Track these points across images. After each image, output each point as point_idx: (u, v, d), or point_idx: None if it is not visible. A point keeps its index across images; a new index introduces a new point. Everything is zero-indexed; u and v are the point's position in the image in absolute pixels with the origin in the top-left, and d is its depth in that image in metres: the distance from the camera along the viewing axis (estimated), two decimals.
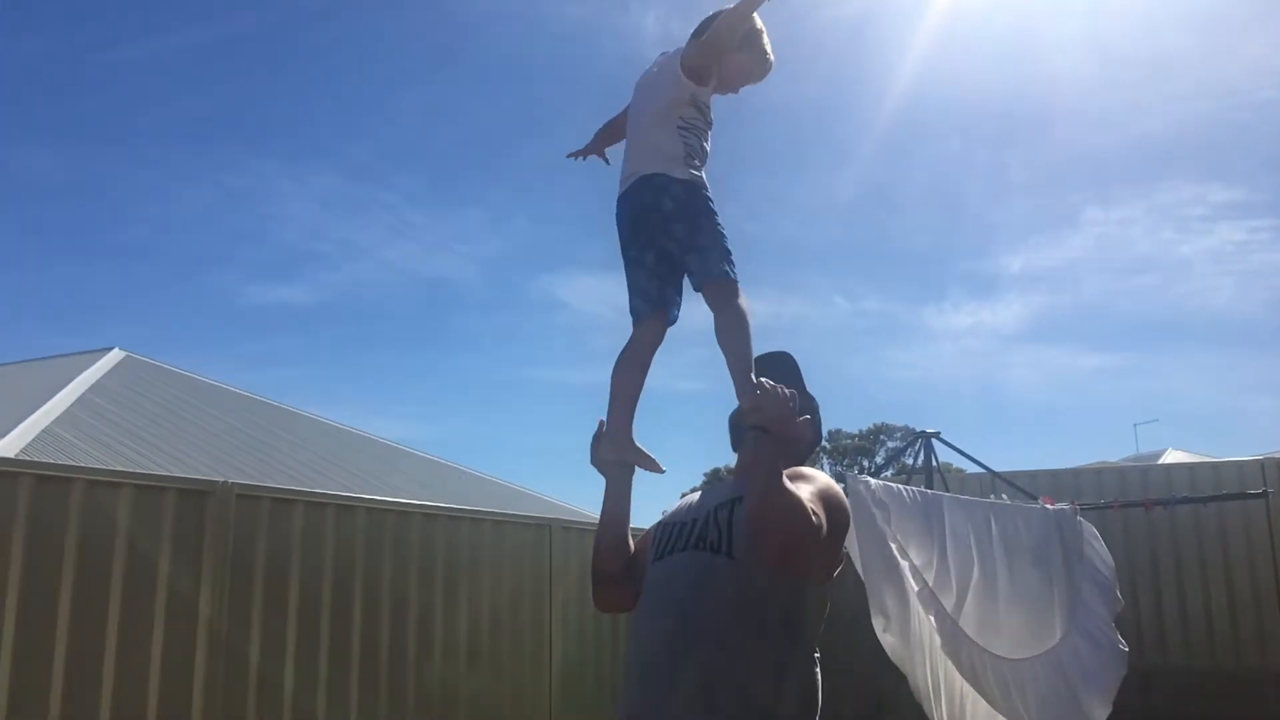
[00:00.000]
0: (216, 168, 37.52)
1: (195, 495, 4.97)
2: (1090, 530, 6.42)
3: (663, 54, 2.80)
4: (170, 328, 43.37)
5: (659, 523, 2.49)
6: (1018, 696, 5.79)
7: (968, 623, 5.77)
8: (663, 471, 2.59)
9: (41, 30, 29.90)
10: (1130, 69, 35.71)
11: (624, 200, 2.74)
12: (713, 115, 2.75)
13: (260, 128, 41.19)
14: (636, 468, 2.61)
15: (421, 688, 5.84)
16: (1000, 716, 5.80)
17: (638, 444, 2.61)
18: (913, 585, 5.51)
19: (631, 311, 2.72)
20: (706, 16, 2.73)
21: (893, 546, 5.53)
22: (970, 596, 5.99)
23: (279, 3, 35.36)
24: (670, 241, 2.65)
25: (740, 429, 2.46)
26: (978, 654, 5.78)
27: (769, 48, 2.85)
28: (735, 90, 2.84)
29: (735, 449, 2.58)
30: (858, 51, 38.41)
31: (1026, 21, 33.16)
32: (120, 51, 33.85)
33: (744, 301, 2.54)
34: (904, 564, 5.64)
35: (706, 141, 2.74)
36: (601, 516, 2.55)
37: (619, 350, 2.75)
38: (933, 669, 5.51)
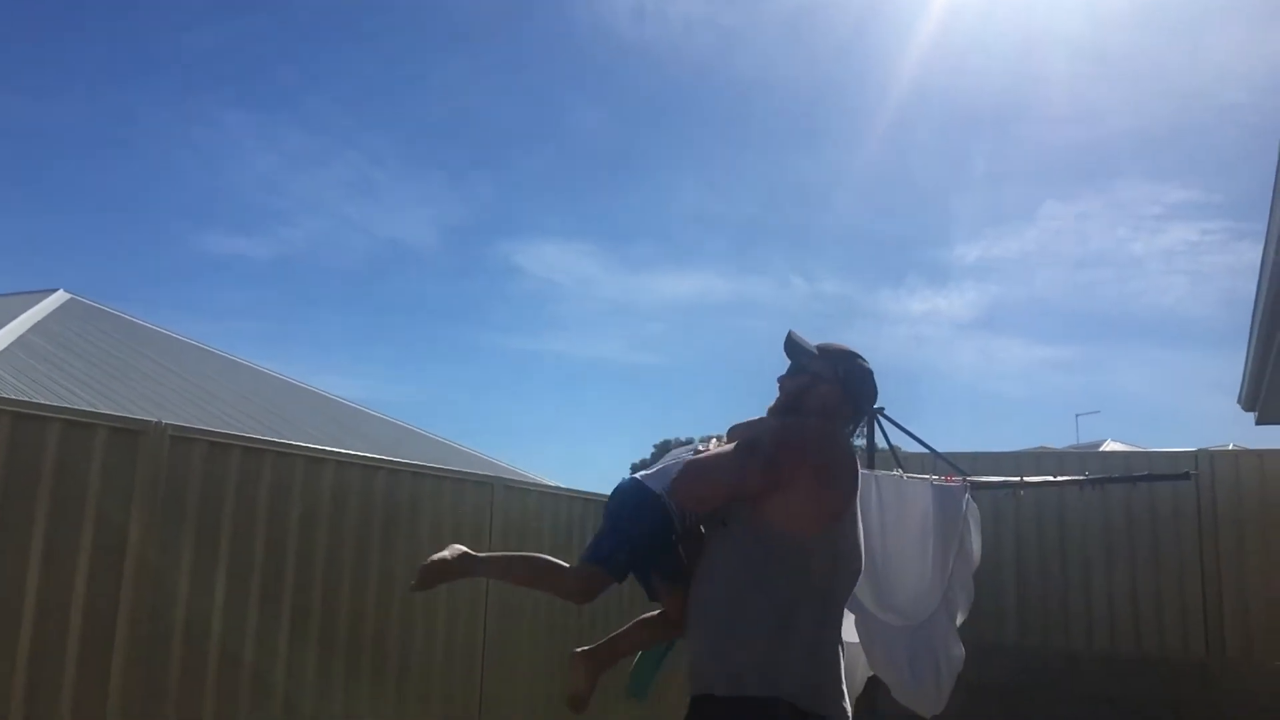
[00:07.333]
0: (184, 118, 36.53)
1: (127, 435, 4.86)
2: (975, 513, 6.40)
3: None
4: (124, 275, 42.47)
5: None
6: (894, 661, 5.96)
7: (863, 590, 5.87)
8: None
9: None
10: (1101, 65, 35.90)
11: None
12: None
13: (226, 79, 40.15)
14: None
15: (353, 638, 5.80)
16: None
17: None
18: None
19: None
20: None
21: None
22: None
23: None
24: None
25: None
26: (869, 619, 5.95)
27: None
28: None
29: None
30: (842, 38, 38.20)
31: (1021, 17, 32.93)
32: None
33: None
34: None
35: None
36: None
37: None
38: None
